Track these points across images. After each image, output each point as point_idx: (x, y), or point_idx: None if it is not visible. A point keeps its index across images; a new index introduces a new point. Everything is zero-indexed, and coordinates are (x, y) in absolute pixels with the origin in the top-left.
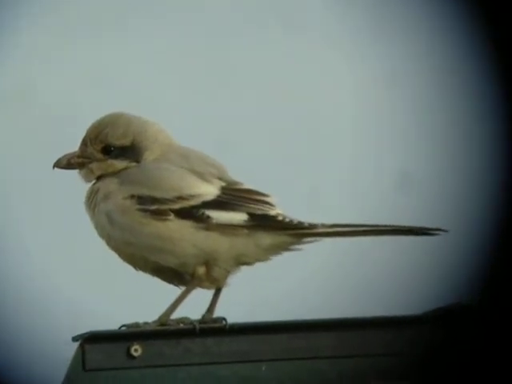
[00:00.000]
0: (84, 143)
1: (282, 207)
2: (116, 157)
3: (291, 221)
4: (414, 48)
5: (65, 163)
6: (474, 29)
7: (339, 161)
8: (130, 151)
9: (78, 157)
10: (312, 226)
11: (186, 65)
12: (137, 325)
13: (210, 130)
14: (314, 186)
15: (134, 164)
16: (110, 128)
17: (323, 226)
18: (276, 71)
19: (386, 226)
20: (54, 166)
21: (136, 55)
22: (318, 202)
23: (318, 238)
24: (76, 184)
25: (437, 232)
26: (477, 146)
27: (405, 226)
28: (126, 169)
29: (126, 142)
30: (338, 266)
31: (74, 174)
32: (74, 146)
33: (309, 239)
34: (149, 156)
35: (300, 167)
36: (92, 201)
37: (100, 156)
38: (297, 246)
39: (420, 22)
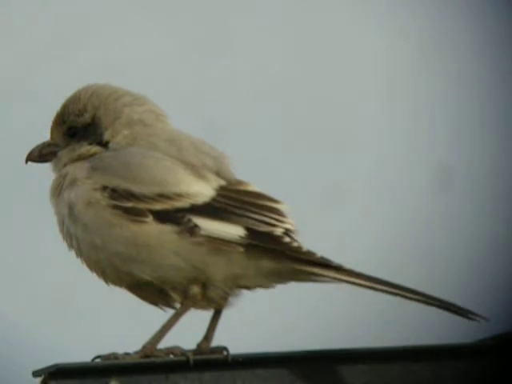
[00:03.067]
0: (52, 127)
1: (295, 219)
2: (79, 139)
3: (299, 247)
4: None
5: (36, 155)
6: None
7: (363, 152)
8: (92, 130)
9: (49, 145)
10: (324, 263)
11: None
12: (115, 356)
13: (197, 110)
14: (330, 182)
15: (96, 147)
16: (71, 103)
17: (337, 269)
18: (289, 44)
19: (415, 292)
20: (26, 160)
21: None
22: (335, 202)
23: (327, 280)
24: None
25: (474, 318)
26: None
27: (439, 300)
28: (95, 154)
29: (86, 118)
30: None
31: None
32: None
33: (317, 278)
34: (110, 137)
35: (313, 160)
36: (58, 186)
37: (66, 140)
38: (304, 278)
39: None
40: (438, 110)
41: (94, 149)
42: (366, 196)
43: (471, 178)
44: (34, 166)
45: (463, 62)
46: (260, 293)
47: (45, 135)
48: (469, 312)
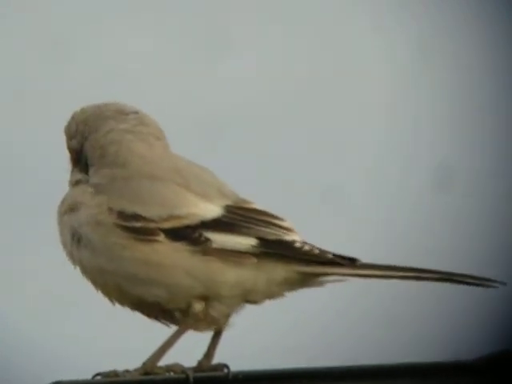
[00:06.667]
0: None
1: (301, 234)
2: (76, 164)
3: (311, 249)
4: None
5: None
6: None
7: (363, 152)
8: (82, 157)
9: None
10: (337, 261)
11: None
12: (115, 373)
13: (197, 110)
14: (330, 182)
15: (81, 176)
16: (68, 124)
17: (353, 266)
18: (291, 44)
19: (432, 271)
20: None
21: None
22: (334, 202)
23: (344, 278)
24: None
25: (492, 284)
26: None
27: (456, 274)
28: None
29: (75, 144)
30: (366, 300)
31: None
32: None
33: (332, 278)
34: (92, 173)
35: (313, 160)
36: (59, 211)
37: (72, 165)
38: (319, 281)
39: None
40: (438, 110)
41: (79, 176)
42: (365, 196)
43: (471, 178)
44: (35, 171)
45: (463, 62)
46: (262, 310)
47: (44, 136)
48: (486, 280)
